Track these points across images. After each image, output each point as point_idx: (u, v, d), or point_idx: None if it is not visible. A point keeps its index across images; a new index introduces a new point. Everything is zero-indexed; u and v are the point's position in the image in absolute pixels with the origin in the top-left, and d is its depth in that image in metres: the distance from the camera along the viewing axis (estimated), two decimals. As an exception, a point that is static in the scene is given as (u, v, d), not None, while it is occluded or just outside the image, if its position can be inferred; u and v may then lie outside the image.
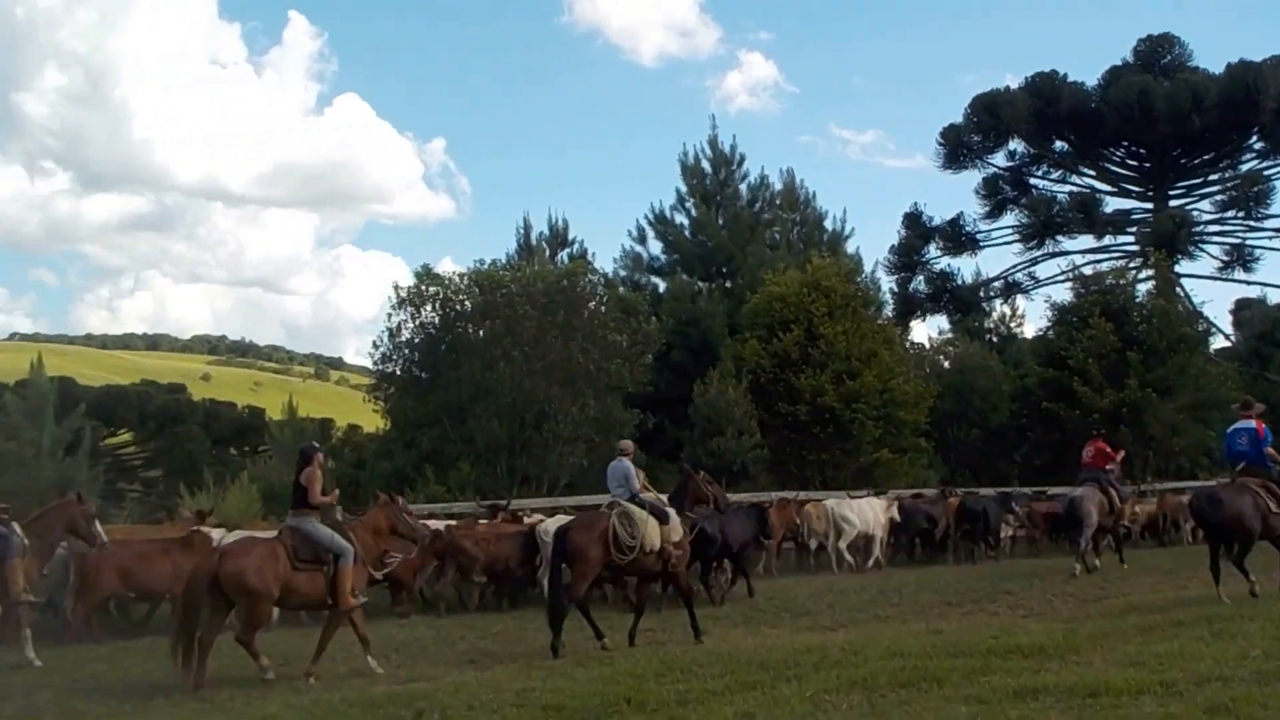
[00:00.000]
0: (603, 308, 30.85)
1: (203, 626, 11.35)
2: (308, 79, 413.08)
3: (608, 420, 29.21)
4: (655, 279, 40.13)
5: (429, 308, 29.73)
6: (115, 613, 17.06)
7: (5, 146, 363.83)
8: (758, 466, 29.25)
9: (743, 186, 40.08)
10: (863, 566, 22.95)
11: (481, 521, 20.11)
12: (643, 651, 12.58)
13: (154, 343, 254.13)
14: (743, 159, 40.07)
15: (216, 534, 17.18)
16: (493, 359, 28.09)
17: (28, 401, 27.50)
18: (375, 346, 30.94)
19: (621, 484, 14.10)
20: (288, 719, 8.92)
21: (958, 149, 50.60)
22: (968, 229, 51.08)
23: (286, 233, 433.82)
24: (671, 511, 14.06)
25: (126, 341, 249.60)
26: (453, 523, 19.61)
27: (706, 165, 39.72)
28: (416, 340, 30.10)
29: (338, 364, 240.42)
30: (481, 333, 29.20)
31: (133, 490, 49.24)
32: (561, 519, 17.34)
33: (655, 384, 31.82)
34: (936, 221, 51.23)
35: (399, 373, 31.11)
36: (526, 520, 20.26)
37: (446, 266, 31.83)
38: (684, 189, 39.74)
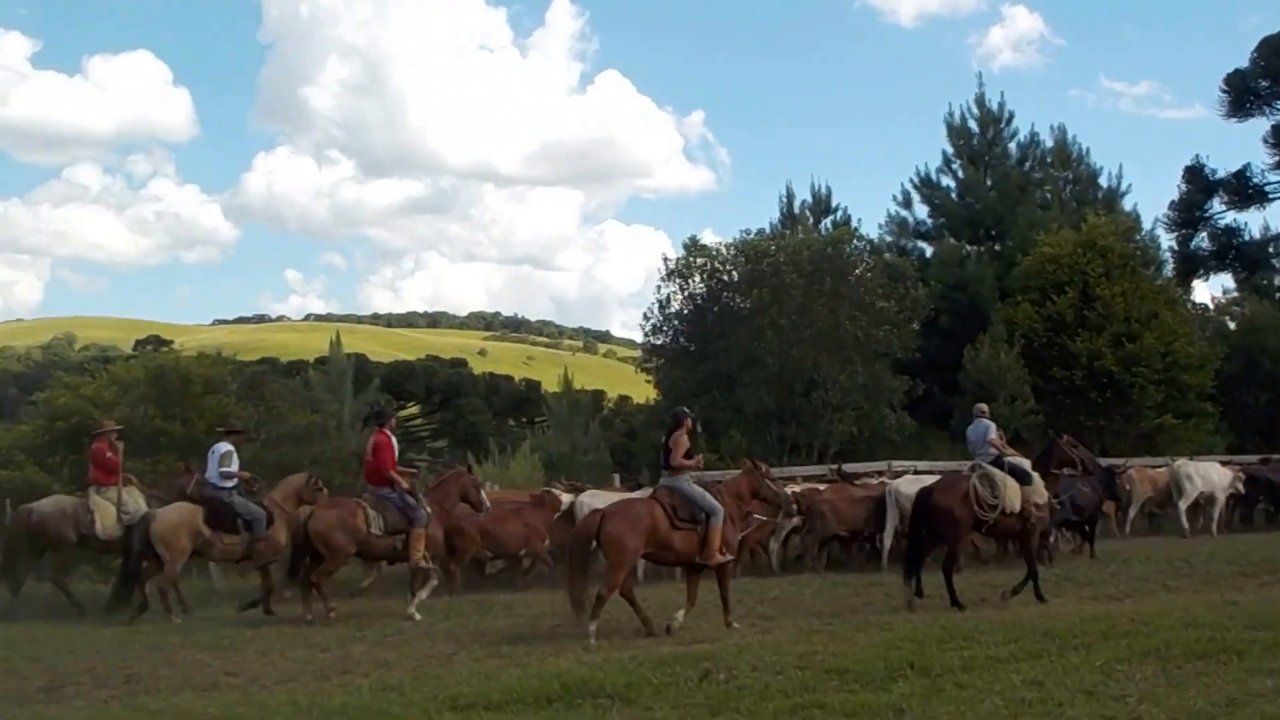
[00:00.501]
0: (869, 274, 30.60)
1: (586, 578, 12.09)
2: (570, 58, 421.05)
3: (876, 387, 29.06)
4: (921, 244, 39.33)
5: (696, 279, 30.22)
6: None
7: (295, 139, 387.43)
8: (1032, 433, 28.51)
9: (1011, 145, 38.74)
10: (1200, 530, 22.38)
11: (821, 486, 20.20)
12: (923, 617, 12.57)
13: (434, 320, 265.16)
14: (1011, 116, 38.76)
15: (566, 497, 18.41)
16: (760, 328, 28.33)
17: (328, 377, 29.60)
18: (646, 318, 31.59)
19: (982, 445, 14.24)
20: (578, 674, 9.30)
21: (1243, 96, 47.36)
22: (1255, 181, 47.79)
23: (553, 210, 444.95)
24: (1034, 474, 14.16)
25: (409, 319, 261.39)
26: (818, 487, 19.89)
27: (973, 125, 38.61)
28: (685, 311, 30.63)
29: (605, 337, 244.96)
30: (748, 302, 29.46)
31: (421, 460, 51.71)
32: (911, 480, 17.92)
33: (923, 350, 31.40)
34: (1220, 174, 48.18)
35: (668, 344, 31.71)
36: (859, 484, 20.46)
37: (709, 238, 32.18)
38: (950, 150, 38.76)
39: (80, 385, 22.62)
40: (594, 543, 12.15)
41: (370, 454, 15.04)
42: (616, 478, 23.41)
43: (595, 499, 17.31)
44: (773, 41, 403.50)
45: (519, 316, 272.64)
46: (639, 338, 33.33)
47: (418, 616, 14.08)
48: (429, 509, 14.83)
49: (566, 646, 11.49)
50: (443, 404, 62.01)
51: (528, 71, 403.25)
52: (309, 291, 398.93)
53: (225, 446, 15.70)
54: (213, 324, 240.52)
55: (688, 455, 12.72)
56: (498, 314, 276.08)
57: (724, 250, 30.26)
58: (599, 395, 56.36)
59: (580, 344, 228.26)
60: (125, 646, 12.43)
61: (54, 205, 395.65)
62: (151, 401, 21.58)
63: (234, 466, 15.59)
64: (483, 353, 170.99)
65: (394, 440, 15.16)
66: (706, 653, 10.40)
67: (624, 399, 66.00)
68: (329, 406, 26.80)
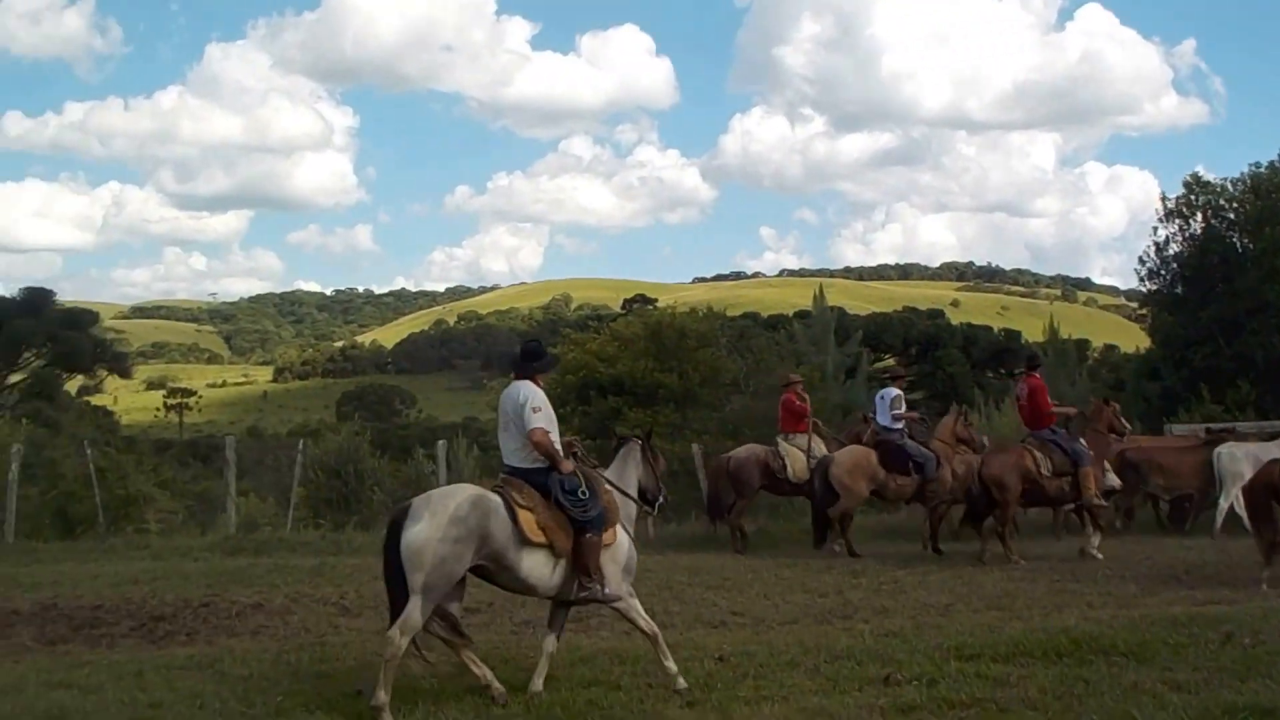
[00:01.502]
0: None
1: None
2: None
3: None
4: None
5: (1197, 218, 28.27)
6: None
7: (769, 98, 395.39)
8: None
9: None
10: None
11: None
12: None
13: (905, 272, 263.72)
14: None
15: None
16: (1272, 270, 26.09)
17: (812, 330, 30.26)
18: (1141, 262, 30.00)
19: None
20: (1086, 630, 8.99)
21: None
22: None
23: (1028, 154, 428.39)
24: None
25: (880, 272, 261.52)
26: None
27: None
28: (1184, 254, 28.75)
29: (1084, 284, 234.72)
30: (1258, 242, 27.15)
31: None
32: None
33: None
34: None
35: (1164, 289, 29.92)
36: None
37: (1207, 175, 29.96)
38: None
39: (585, 341, 24.39)
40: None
41: (1025, 398, 15.45)
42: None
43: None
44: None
45: (992, 265, 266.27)
46: (1123, 284, 31.86)
47: (1099, 555, 14.45)
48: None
49: (1068, 602, 11.27)
50: (920, 356, 61.69)
51: (1002, 11, 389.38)
52: (782, 247, 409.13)
53: (894, 391, 16.70)
54: (693, 282, 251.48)
55: None
56: (970, 264, 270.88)
57: (1229, 187, 28.05)
58: (1082, 344, 53.96)
59: (1058, 292, 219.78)
60: (637, 584, 13.31)
61: (551, 176, 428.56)
62: (650, 355, 22.92)
63: (902, 409, 16.52)
64: (955, 304, 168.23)
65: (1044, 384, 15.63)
66: (1226, 615, 9.86)
67: (1109, 348, 62.89)
68: (813, 359, 27.36)
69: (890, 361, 57.60)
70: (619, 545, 7.97)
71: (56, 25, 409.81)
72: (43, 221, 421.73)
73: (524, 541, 7.49)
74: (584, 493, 7.72)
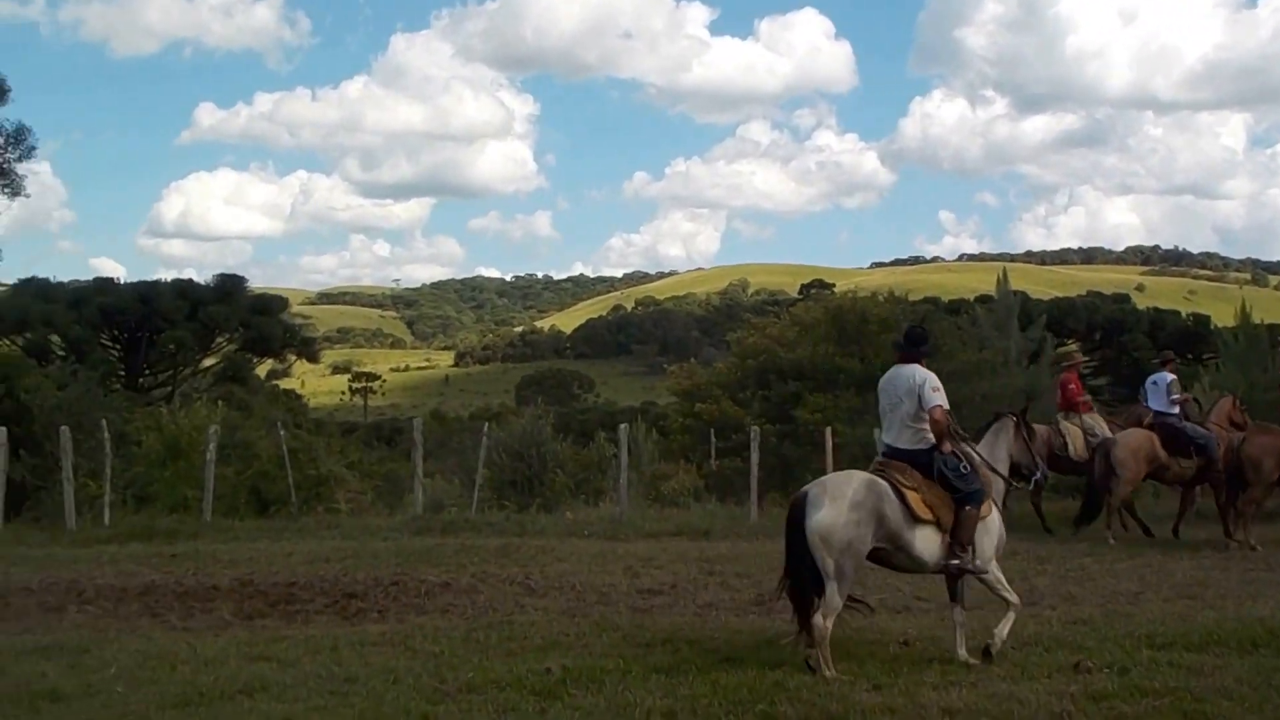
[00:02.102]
0: None
1: None
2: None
3: None
4: None
5: None
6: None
7: (949, 80, 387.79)
8: None
9: None
10: None
11: None
12: None
13: (1088, 256, 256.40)
14: None
15: None
16: None
17: (994, 314, 29.42)
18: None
19: None
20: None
21: None
22: None
23: (1217, 135, 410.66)
24: None
25: (1062, 256, 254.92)
26: None
27: None
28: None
29: (1277, 268, 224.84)
30: None
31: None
32: None
33: None
34: None
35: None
36: None
37: None
38: None
39: (765, 326, 24.24)
40: None
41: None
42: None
43: None
44: None
45: (1179, 249, 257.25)
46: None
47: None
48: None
49: (1261, 591, 11.07)
50: (1104, 341, 59.86)
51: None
52: (961, 231, 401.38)
53: (1168, 376, 16.53)
54: (870, 267, 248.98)
55: None
56: (1156, 247, 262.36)
57: None
58: (1275, 330, 51.44)
59: (1248, 276, 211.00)
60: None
61: (728, 161, 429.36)
62: (830, 340, 22.66)
63: (1178, 394, 16.43)
64: (1140, 288, 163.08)
65: None
66: None
67: (1305, 332, 60.08)
68: (996, 344, 26.63)
69: (1072, 347, 56.06)
70: (992, 519, 8.23)
71: (248, 18, 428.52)
72: (234, 209, 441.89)
73: (915, 520, 7.82)
74: (965, 467, 8.05)
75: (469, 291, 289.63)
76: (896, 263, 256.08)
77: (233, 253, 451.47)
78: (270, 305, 55.15)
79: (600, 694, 7.14)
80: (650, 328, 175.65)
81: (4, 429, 17.21)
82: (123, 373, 47.36)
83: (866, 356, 22.83)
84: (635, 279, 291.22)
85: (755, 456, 17.87)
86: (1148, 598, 10.87)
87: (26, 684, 7.43)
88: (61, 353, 43.64)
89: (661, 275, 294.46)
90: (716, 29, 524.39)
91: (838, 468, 16.89)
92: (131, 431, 20.71)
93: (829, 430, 17.77)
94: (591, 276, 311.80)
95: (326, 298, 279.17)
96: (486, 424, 22.17)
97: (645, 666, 7.78)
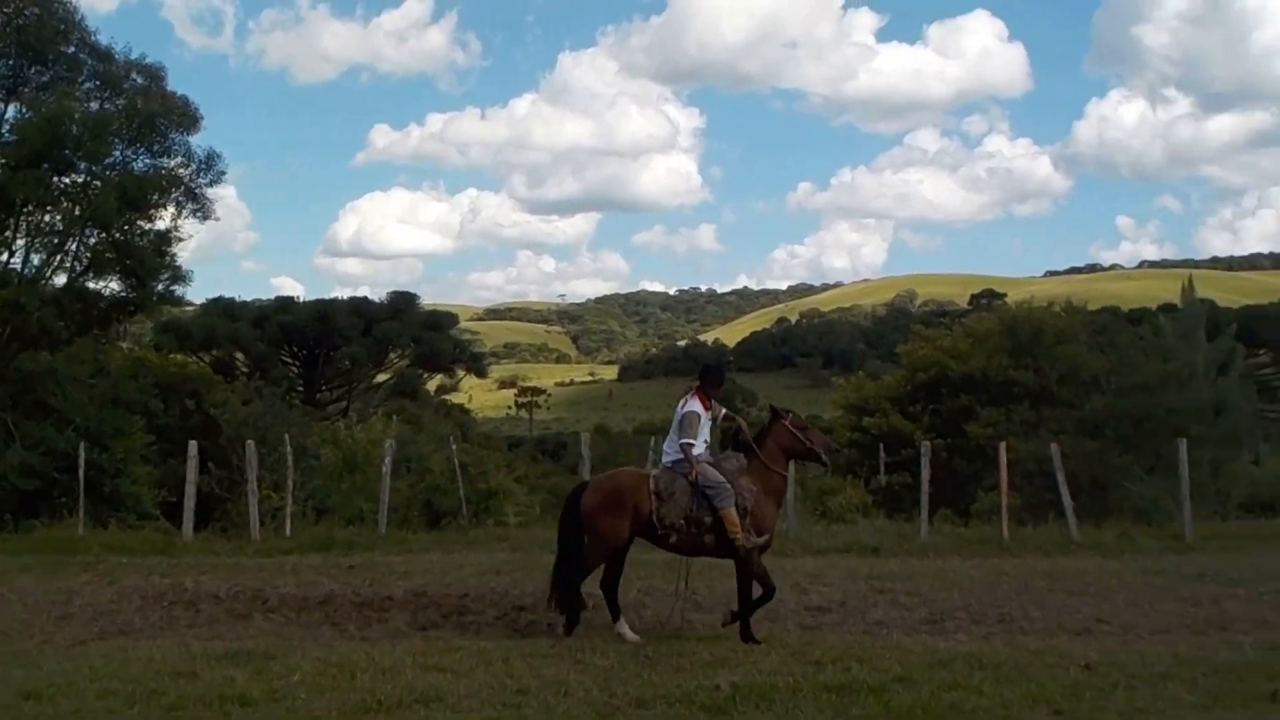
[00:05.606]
0: None
1: None
2: None
3: None
4: None
5: None
6: None
7: (1127, 80, 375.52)
8: None
9: None
10: None
11: None
12: None
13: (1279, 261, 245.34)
14: None
15: None
16: None
17: (1180, 324, 28.27)
18: None
19: None
20: None
21: None
22: None
23: None
24: None
25: (1252, 261, 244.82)
26: None
27: None
28: None
29: None
30: None
31: (1271, 411, 47.86)
32: None
33: None
34: None
35: None
36: None
37: None
38: None
39: (937, 338, 23.77)
40: None
41: None
42: None
43: None
44: None
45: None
46: None
47: None
48: None
49: None
50: (1300, 351, 57.09)
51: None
52: (1141, 237, 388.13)
53: None
54: (1044, 275, 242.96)
55: None
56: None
57: None
58: None
59: None
60: (994, 588, 12.82)
61: (895, 170, 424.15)
62: (1004, 351, 22.09)
63: None
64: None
65: None
66: None
67: None
68: (1181, 355, 25.60)
69: (1264, 357, 53.64)
70: None
71: (421, 42, 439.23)
72: (406, 228, 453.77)
73: None
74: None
75: (633, 306, 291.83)
76: (1071, 271, 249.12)
77: (405, 270, 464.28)
78: (440, 321, 56.48)
79: (770, 711, 7.08)
80: (814, 340, 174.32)
81: (194, 443, 17.96)
82: (301, 388, 49.03)
83: (1041, 368, 22.19)
84: (800, 291, 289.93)
85: (925, 472, 17.54)
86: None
87: (216, 688, 7.69)
88: (245, 369, 45.40)
89: (826, 287, 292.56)
90: (884, 35, 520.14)
91: (1011, 484, 16.50)
92: (311, 445, 21.40)
93: (1002, 445, 17.27)
94: (755, 289, 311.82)
95: (494, 313, 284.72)
96: (654, 438, 22.21)
97: (815, 684, 7.67)
